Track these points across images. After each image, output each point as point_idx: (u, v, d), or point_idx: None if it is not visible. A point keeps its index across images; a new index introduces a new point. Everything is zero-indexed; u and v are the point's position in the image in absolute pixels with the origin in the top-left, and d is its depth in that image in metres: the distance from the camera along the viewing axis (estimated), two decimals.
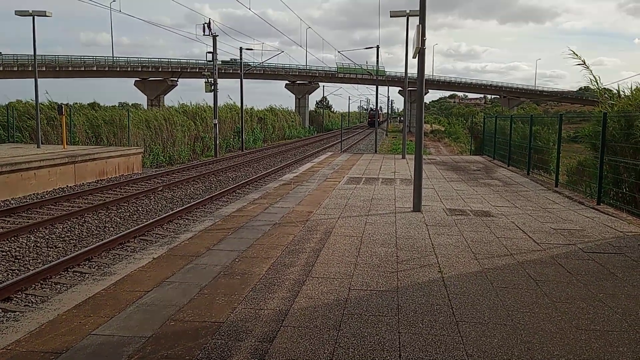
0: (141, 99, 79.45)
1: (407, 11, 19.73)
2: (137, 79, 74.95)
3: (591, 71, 14.13)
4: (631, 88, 12.54)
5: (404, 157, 21.83)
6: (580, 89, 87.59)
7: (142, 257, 6.24)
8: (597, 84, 14.02)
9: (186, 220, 12.41)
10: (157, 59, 74.80)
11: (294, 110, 73.35)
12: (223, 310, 4.59)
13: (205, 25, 31.17)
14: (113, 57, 73.76)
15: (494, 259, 6.40)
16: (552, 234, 7.83)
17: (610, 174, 10.90)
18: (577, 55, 14.57)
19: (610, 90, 14.35)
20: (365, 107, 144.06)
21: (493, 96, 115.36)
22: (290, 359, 3.70)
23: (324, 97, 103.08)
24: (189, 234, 7.51)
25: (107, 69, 71.27)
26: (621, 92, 13.04)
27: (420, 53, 9.42)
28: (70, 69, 68.04)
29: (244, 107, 39.22)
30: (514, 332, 4.22)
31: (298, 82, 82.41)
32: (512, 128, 18.55)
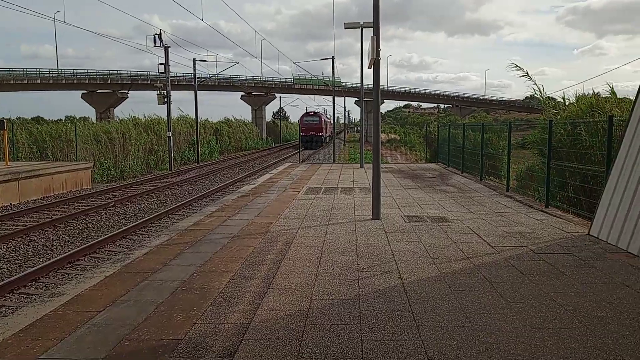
0: (89, 112, 77.44)
1: (361, 22, 20.02)
2: (85, 91, 72.98)
3: (535, 82, 14.83)
4: (576, 96, 13.15)
5: (362, 167, 22.04)
6: (527, 97, 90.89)
7: (93, 276, 6.03)
8: (541, 93, 14.64)
9: (140, 236, 12.10)
10: (105, 71, 73.26)
11: (250, 122, 73.01)
12: (181, 326, 4.48)
13: (156, 36, 30.70)
14: (58, 69, 71.68)
15: (452, 263, 6.52)
16: (505, 236, 8.05)
17: (557, 178, 11.32)
18: (520, 67, 15.23)
19: (554, 99, 14.99)
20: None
21: (446, 105, 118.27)
22: None
23: (281, 108, 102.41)
24: (143, 249, 7.32)
25: (51, 81, 69.13)
26: (566, 100, 13.65)
27: (376, 64, 9.56)
28: (12, 82, 65.67)
29: (199, 119, 38.77)
30: (472, 333, 4.30)
31: (254, 93, 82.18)
32: (464, 136, 19.03)
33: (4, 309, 7.49)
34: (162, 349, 4.04)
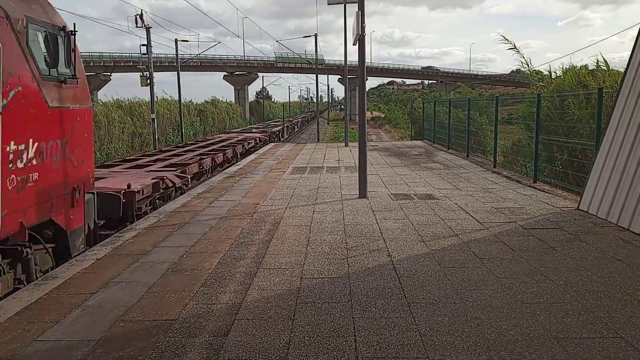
0: None
1: None
2: None
3: (522, 55, 14.88)
4: (563, 69, 13.22)
5: (346, 145, 22.01)
6: (512, 71, 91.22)
7: (85, 258, 5.99)
8: (529, 66, 14.69)
9: None
10: (87, 53, 71.74)
11: (233, 102, 72.34)
12: (174, 307, 4.47)
13: (137, 16, 30.06)
14: None
15: (440, 240, 6.56)
16: (493, 213, 8.11)
17: (545, 152, 11.40)
18: (507, 40, 15.24)
19: (540, 72, 15.06)
20: (305, 96, 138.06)
21: (430, 81, 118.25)
22: (246, 351, 3.66)
23: (264, 88, 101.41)
24: (132, 232, 7.27)
25: None
26: (552, 73, 13.72)
27: (360, 40, 9.47)
28: None
29: (182, 100, 38.33)
30: (463, 309, 4.34)
31: (236, 73, 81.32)
32: (450, 112, 19.05)
33: None
34: (156, 329, 4.04)
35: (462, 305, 4.44)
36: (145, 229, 7.41)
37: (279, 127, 38.02)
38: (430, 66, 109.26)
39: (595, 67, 12.61)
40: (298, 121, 59.11)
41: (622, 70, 8.66)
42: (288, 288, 4.92)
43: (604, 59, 12.60)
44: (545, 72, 14.60)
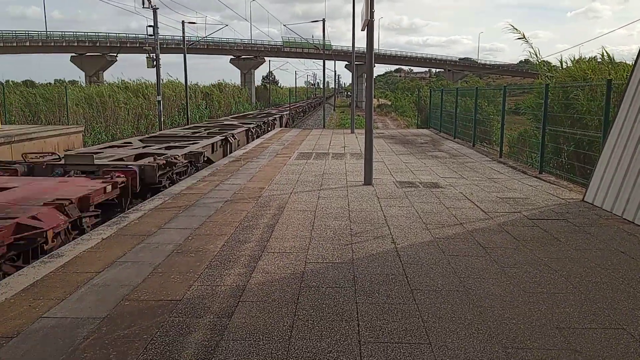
0: (79, 75, 76.07)
1: None
2: (74, 54, 71.66)
3: (531, 45, 14.73)
4: (573, 60, 13.11)
5: (352, 132, 21.97)
6: (521, 62, 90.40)
7: (90, 238, 6.03)
8: (537, 56, 14.56)
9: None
10: (94, 33, 71.85)
11: (239, 86, 72.08)
12: (179, 288, 4.51)
13: None
14: (47, 31, 70.18)
15: (445, 228, 6.57)
16: (498, 202, 8.11)
17: (551, 143, 11.35)
18: (517, 29, 15.10)
19: (549, 63, 14.94)
20: (312, 82, 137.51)
21: (438, 70, 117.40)
22: (250, 333, 3.70)
23: (270, 72, 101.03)
24: (138, 213, 7.31)
25: (40, 44, 67.84)
26: (563, 64, 13.61)
27: (369, 25, 9.40)
28: (1, 44, 64.40)
29: (189, 83, 38.26)
30: (466, 297, 4.37)
31: (243, 56, 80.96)
32: (457, 101, 18.94)
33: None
34: (161, 309, 4.08)
35: (465, 293, 4.46)
36: (151, 210, 7.44)
37: (215, 140, 15.16)
38: (468, 57, 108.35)
39: (601, 60, 12.54)
40: (281, 115, 33.52)
41: (629, 62, 8.58)
42: (292, 272, 4.95)
43: (606, 52, 12.53)
44: (554, 63, 14.51)
